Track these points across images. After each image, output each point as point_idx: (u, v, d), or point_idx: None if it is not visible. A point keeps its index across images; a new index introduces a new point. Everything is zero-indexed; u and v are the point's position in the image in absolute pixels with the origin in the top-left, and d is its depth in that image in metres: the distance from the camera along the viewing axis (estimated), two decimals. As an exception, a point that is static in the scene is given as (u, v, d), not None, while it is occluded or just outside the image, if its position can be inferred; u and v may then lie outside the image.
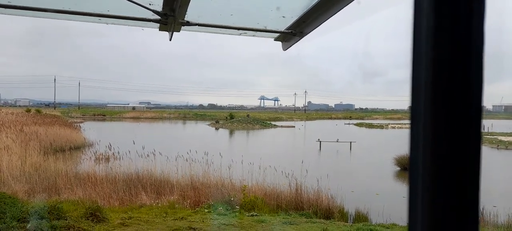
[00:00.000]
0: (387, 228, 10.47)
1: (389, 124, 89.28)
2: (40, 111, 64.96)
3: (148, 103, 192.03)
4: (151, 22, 2.20)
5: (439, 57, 0.50)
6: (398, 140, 42.28)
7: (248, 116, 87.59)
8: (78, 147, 30.86)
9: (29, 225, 8.16)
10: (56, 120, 44.72)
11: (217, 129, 68.96)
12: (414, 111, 0.52)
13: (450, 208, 0.50)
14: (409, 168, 0.54)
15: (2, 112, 51.06)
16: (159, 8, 2.04)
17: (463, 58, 0.50)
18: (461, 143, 0.50)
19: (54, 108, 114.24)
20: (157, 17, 2.10)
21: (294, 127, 77.68)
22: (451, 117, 0.50)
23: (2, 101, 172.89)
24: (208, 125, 77.96)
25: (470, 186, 0.50)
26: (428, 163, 0.51)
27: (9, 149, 18.48)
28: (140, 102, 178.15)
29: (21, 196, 11.47)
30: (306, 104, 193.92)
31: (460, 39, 0.50)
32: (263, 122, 78.36)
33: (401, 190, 18.77)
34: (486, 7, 0.50)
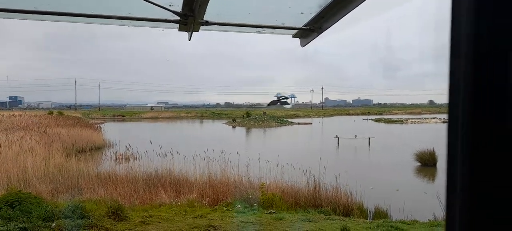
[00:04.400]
0: (408, 224, 10.29)
1: (408, 118, 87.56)
2: (62, 113, 66.68)
3: (166, 103, 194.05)
4: (171, 23, 2.22)
5: (477, 51, 0.49)
6: (418, 135, 41.51)
7: (264, 113, 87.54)
8: (99, 148, 31.54)
9: (54, 224, 8.41)
10: (78, 122, 45.90)
11: (234, 127, 69.25)
12: (453, 106, 0.52)
13: (488, 199, 0.50)
14: (447, 160, 0.54)
15: (26, 115, 52.77)
16: (178, 8, 2.06)
17: (502, 52, 0.49)
18: (498, 136, 0.50)
19: (75, 110, 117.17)
20: (177, 17, 2.12)
21: (311, 123, 77.18)
22: (489, 111, 0.50)
23: (26, 104, 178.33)
24: (225, 123, 78.32)
25: (508, 177, 0.50)
26: (466, 155, 0.51)
27: (33, 150, 19.06)
28: (158, 103, 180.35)
29: (45, 196, 11.82)
30: (323, 100, 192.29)
31: (499, 32, 0.49)
32: (279, 119, 78.17)
33: (422, 186, 18.44)
34: None
